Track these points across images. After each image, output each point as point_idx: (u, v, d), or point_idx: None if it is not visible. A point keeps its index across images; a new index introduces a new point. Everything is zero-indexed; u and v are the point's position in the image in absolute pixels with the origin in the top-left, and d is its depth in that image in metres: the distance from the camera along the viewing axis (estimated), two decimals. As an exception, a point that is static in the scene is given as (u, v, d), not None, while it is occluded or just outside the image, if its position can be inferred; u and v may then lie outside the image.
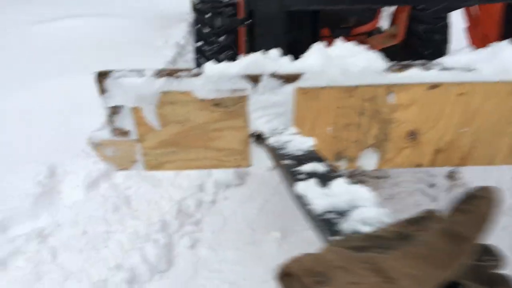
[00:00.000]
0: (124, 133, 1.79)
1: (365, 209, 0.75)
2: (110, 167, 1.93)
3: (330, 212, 0.77)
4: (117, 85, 1.65)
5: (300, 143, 1.43)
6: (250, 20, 1.91)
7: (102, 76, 1.63)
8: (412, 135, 1.87)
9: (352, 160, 1.92)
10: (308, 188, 0.89)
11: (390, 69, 1.67)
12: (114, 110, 1.73)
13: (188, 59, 5.58)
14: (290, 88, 1.69)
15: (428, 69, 1.68)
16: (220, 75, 1.64)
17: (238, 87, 1.68)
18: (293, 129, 1.69)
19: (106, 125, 1.79)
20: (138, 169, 1.94)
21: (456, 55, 1.73)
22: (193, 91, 1.68)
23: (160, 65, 4.98)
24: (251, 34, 1.94)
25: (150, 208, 2.82)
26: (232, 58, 3.59)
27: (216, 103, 1.72)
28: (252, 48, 1.97)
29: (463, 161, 1.96)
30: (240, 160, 1.91)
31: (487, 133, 1.85)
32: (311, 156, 1.24)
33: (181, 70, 1.66)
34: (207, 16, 3.52)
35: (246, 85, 1.68)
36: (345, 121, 1.80)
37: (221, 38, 3.55)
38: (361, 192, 0.82)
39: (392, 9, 3.90)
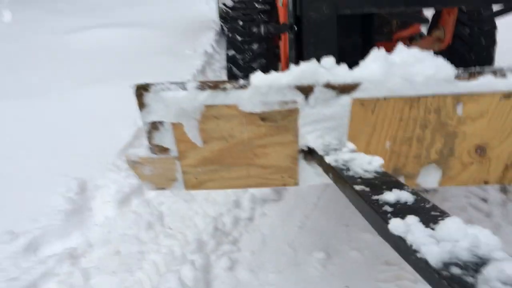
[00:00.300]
0: (163, 150, 1.66)
1: (499, 262, 0.58)
2: (147, 187, 1.79)
3: (452, 264, 0.60)
4: (157, 99, 1.52)
5: (366, 162, 1.26)
6: (297, 26, 1.76)
7: (141, 89, 1.50)
8: (481, 150, 1.68)
9: (411, 177, 1.75)
10: (408, 228, 0.72)
11: (458, 77, 1.50)
12: (154, 126, 1.59)
13: (216, 68, 5.48)
14: (345, 99, 1.53)
15: (502, 76, 1.49)
16: (269, 86, 1.50)
17: (288, 99, 1.53)
18: (351, 145, 1.52)
19: (145, 141, 1.67)
20: (177, 189, 1.80)
21: (532, 60, 1.54)
22: (239, 105, 1.53)
23: (191, 74, 4.87)
24: (298, 41, 1.79)
25: (185, 225, 2.69)
26: (266, 66, 3.46)
27: (264, 117, 1.57)
28: (300, 56, 1.82)
29: (537, 179, 1.76)
30: (287, 178, 1.76)
31: None
32: (387, 180, 1.07)
33: (226, 82, 1.52)
34: (240, 23, 3.38)
35: (297, 97, 1.53)
36: (406, 134, 1.63)
37: (254, 47, 3.41)
38: (484, 236, 0.65)
39: (432, 11, 3.70)
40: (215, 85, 1.51)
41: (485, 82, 1.49)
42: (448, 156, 1.70)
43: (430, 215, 0.76)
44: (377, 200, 0.91)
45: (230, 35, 3.46)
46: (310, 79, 1.49)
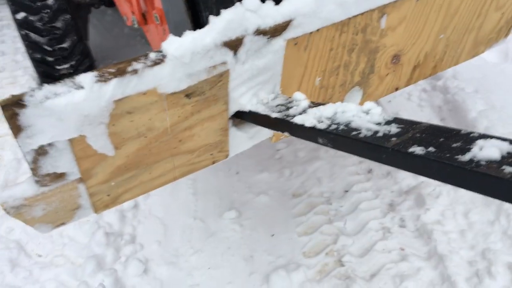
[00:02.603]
0: (57, 177, 1.17)
1: None
2: (42, 230, 1.28)
3: None
4: (43, 114, 1.01)
5: (361, 112, 1.04)
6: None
7: (13, 106, 0.97)
8: (396, 58, 1.63)
9: (337, 106, 1.62)
10: None
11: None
12: (40, 152, 1.08)
13: (5, 38, 4.30)
14: (278, 43, 1.26)
15: None
16: (193, 52, 1.12)
17: (217, 61, 1.18)
18: (300, 95, 1.28)
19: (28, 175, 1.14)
20: (82, 217, 1.34)
21: None
22: (159, 86, 1.13)
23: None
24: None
25: (60, 244, 2.14)
26: (75, 24, 2.80)
27: (189, 93, 1.21)
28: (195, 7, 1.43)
29: (435, 70, 1.82)
30: (217, 153, 1.45)
31: (458, 33, 1.71)
32: (427, 129, 0.88)
33: (131, 62, 1.08)
34: None
35: (226, 56, 1.19)
36: (335, 64, 1.46)
37: (50, 1, 2.69)
38: None
39: None
40: (120, 70, 1.06)
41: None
42: (369, 74, 1.61)
43: None
44: (476, 161, 0.71)
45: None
46: (238, 30, 1.17)
